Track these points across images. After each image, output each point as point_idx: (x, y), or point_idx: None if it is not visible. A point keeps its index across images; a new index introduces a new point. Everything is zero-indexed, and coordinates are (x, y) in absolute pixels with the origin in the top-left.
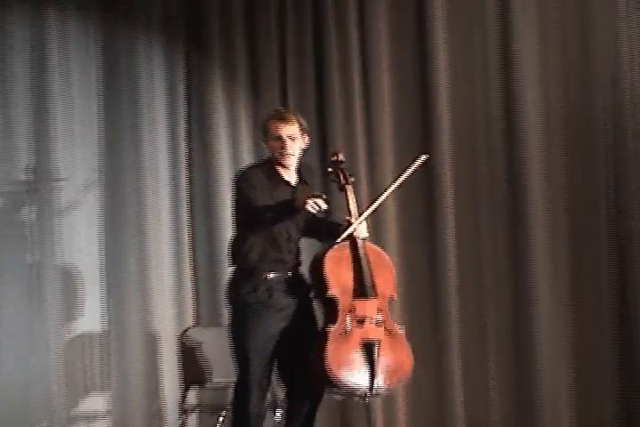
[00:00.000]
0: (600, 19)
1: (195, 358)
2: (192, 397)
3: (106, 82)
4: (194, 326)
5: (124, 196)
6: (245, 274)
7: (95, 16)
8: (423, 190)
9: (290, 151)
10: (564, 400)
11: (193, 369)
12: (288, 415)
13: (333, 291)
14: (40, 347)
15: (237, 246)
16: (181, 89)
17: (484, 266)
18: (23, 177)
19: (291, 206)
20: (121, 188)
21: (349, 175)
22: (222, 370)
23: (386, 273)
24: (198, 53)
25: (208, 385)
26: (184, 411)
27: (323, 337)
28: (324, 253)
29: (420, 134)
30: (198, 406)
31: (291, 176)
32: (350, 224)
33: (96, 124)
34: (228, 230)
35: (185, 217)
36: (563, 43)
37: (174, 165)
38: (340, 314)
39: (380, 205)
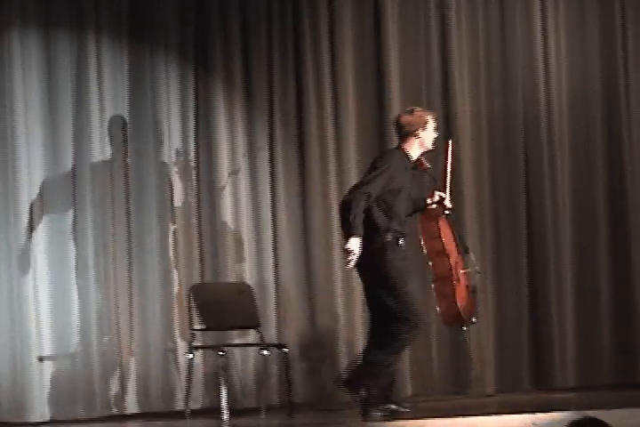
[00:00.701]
0: (519, 39)
1: (200, 307)
2: (198, 338)
3: (132, 92)
4: (200, 282)
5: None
6: (388, 243)
7: (125, 41)
8: None
9: None
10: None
11: (199, 317)
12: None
13: (448, 249)
14: (80, 299)
15: (374, 220)
16: (191, 95)
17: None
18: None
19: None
20: (144, 169)
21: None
22: (220, 318)
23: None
24: (204, 68)
25: (210, 329)
26: (192, 349)
27: (449, 287)
28: (437, 222)
29: (378, 133)
30: (203, 346)
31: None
32: (443, 199)
33: (123, 124)
34: (224, 204)
35: (193, 190)
36: (487, 63)
37: (185, 154)
38: (454, 267)
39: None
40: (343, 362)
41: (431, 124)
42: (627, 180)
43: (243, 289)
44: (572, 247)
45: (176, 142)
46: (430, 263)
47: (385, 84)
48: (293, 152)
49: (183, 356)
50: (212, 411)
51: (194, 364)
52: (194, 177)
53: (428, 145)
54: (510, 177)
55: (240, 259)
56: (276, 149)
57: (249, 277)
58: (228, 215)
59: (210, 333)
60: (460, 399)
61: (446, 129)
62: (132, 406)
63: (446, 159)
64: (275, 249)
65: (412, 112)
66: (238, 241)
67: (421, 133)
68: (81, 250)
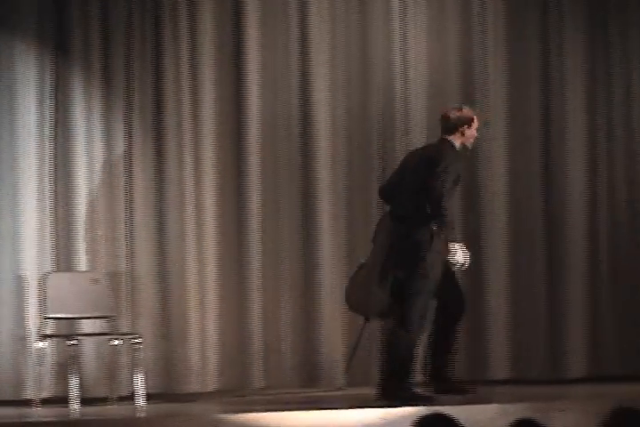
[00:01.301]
0: (378, 35)
1: (52, 296)
2: (50, 327)
3: None
4: (52, 270)
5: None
6: (434, 234)
7: None
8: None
9: None
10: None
11: (51, 305)
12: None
13: None
14: None
15: (426, 211)
16: (49, 80)
17: (282, 239)
18: None
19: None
20: None
21: None
22: (73, 306)
23: None
24: (63, 57)
25: (61, 318)
26: (42, 337)
27: None
28: None
29: (236, 127)
30: (53, 334)
31: None
32: None
33: None
34: (79, 193)
35: (48, 177)
36: (347, 58)
37: (41, 141)
38: None
39: None
40: (195, 352)
41: (475, 124)
42: (479, 176)
43: (95, 278)
44: None
45: (32, 128)
46: None
47: (243, 76)
48: (150, 142)
49: (34, 344)
50: (62, 400)
51: (44, 353)
52: (49, 165)
53: (469, 143)
54: (366, 171)
55: (93, 248)
56: (133, 139)
57: (102, 267)
58: (82, 204)
59: (62, 322)
60: (311, 393)
61: (304, 122)
62: None
63: None
64: (128, 238)
65: (460, 109)
66: (92, 230)
67: (467, 131)
68: None
